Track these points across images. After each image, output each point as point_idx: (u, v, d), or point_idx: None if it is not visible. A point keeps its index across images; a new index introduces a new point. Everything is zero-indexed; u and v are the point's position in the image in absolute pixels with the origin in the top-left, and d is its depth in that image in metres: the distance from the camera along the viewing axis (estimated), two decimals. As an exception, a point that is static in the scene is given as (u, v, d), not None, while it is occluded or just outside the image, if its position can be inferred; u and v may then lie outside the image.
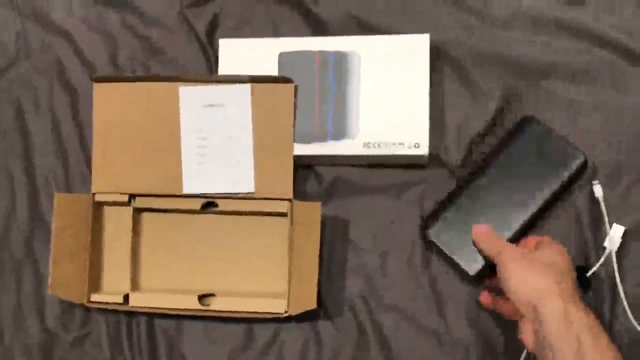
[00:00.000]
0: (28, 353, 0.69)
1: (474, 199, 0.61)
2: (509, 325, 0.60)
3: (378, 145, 0.63)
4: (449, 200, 0.62)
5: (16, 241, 0.71)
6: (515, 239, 0.60)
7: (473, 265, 0.60)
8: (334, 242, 0.66)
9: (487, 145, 0.64)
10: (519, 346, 0.55)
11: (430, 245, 0.63)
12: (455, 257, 0.61)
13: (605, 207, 0.60)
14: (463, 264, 0.60)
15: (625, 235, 0.61)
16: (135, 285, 0.66)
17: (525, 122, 0.62)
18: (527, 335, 0.52)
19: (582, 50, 0.64)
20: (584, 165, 0.61)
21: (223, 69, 0.66)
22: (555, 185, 0.61)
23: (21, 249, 0.71)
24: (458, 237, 0.61)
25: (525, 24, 0.65)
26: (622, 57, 0.63)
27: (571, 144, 0.61)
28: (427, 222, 0.62)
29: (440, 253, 0.62)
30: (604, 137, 0.63)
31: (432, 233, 0.62)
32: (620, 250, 0.61)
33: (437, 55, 0.66)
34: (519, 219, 0.60)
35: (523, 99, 0.65)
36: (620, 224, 0.61)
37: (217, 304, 0.64)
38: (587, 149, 0.62)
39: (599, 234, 0.61)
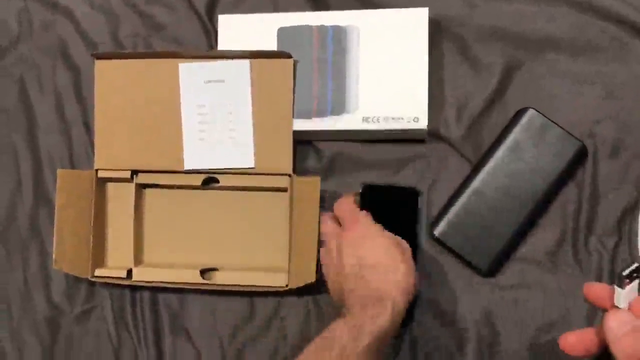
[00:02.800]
0: (35, 327, 0.70)
1: (478, 195, 0.61)
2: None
3: (377, 119, 0.63)
4: (454, 197, 0.62)
5: (22, 218, 0.72)
6: (522, 231, 0.61)
7: (483, 260, 0.61)
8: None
9: (487, 120, 0.64)
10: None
11: (440, 244, 0.63)
12: (465, 255, 0.61)
13: (605, 181, 0.61)
14: (474, 262, 0.61)
15: (624, 211, 0.61)
16: (138, 260, 0.67)
17: (522, 114, 0.62)
18: None
19: (586, 24, 0.64)
20: (583, 154, 0.61)
21: (223, 45, 0.66)
22: (557, 176, 0.61)
23: (27, 226, 0.72)
24: (465, 235, 0.61)
25: (527, -3, 0.65)
26: (626, 30, 0.63)
27: (570, 134, 0.61)
28: (434, 222, 0.63)
29: (451, 251, 0.62)
30: (606, 110, 0.63)
31: (440, 232, 0.62)
32: (620, 226, 0.61)
33: (438, 29, 0.65)
34: (523, 213, 0.61)
35: (525, 73, 0.64)
36: (618, 198, 0.61)
37: (219, 278, 0.65)
38: (589, 122, 0.62)
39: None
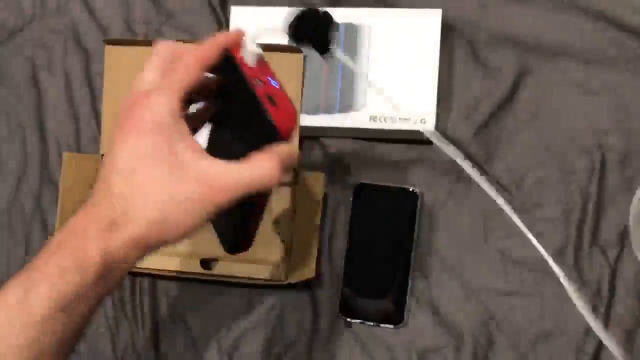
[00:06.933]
0: (34, 308, 0.71)
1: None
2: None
3: (384, 119, 0.63)
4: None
5: (26, 198, 0.73)
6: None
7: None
8: (337, 214, 0.66)
9: (495, 125, 0.64)
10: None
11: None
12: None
13: (611, 192, 0.60)
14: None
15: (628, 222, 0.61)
16: (139, 246, 0.68)
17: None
18: None
19: (598, 33, 0.63)
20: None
21: (234, 37, 0.66)
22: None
23: (31, 207, 0.72)
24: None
25: (542, 3, 0.65)
26: (637, 41, 0.62)
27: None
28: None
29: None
30: (615, 121, 0.62)
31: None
32: (624, 238, 0.61)
33: (450, 31, 0.65)
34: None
35: (535, 80, 0.64)
36: (624, 210, 0.60)
37: (219, 269, 0.65)
38: (597, 132, 0.62)
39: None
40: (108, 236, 0.37)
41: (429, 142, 0.65)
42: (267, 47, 0.63)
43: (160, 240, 0.39)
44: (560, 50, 0.64)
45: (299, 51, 0.63)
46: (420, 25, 0.63)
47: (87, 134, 0.72)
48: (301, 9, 0.49)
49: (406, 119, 0.62)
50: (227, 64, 0.43)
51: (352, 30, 0.64)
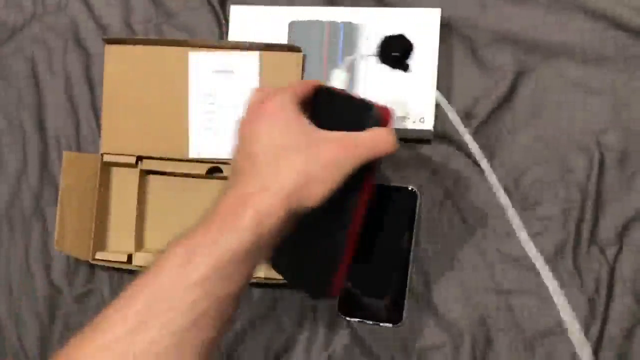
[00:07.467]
0: (34, 305, 0.71)
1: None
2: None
3: (383, 118, 0.63)
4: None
5: (26, 197, 0.73)
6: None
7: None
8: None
9: (494, 123, 0.64)
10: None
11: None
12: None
13: (609, 191, 0.61)
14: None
15: (627, 221, 0.61)
16: (139, 245, 0.68)
17: None
18: None
19: (598, 33, 0.63)
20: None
21: (233, 36, 0.66)
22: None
23: (31, 205, 0.73)
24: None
25: (541, 2, 0.65)
26: (636, 40, 0.62)
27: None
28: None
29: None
30: (613, 120, 0.62)
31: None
32: (622, 237, 0.61)
33: (449, 30, 0.65)
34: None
35: (534, 79, 0.64)
36: (622, 208, 0.61)
37: (218, 268, 0.65)
38: (596, 131, 0.62)
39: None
40: (259, 200, 0.40)
41: (428, 142, 0.65)
42: (267, 46, 0.64)
43: (307, 198, 0.42)
44: (559, 49, 0.64)
45: (299, 50, 0.63)
46: (420, 24, 0.63)
47: (87, 134, 0.72)
48: (387, 34, 0.59)
49: (405, 118, 0.62)
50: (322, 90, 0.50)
51: (352, 29, 0.64)
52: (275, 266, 0.52)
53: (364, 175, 0.44)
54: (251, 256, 0.40)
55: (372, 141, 0.44)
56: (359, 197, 0.46)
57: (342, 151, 0.43)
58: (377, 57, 0.57)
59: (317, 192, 0.42)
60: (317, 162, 0.42)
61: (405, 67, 0.59)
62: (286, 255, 0.48)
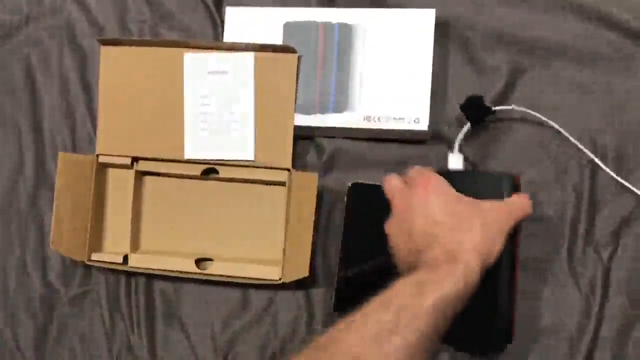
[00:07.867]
0: (30, 306, 0.71)
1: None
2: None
3: (379, 119, 0.63)
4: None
5: (22, 198, 0.73)
6: None
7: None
8: (332, 214, 0.66)
9: (489, 124, 0.64)
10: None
11: None
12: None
13: (604, 191, 0.61)
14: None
15: (622, 222, 0.61)
16: (135, 246, 0.68)
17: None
18: None
19: (593, 33, 0.63)
20: None
21: (228, 37, 0.66)
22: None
23: (27, 206, 0.73)
24: None
25: (535, 4, 0.65)
26: (630, 40, 0.63)
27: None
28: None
29: None
30: (608, 120, 0.62)
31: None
32: (617, 237, 0.61)
33: (444, 31, 0.65)
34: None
35: (529, 79, 0.64)
36: (617, 208, 0.61)
37: (214, 269, 0.65)
38: (591, 131, 0.62)
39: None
40: (465, 257, 0.47)
41: (422, 142, 0.65)
42: (262, 47, 0.64)
43: (490, 256, 0.49)
44: (554, 50, 0.64)
45: (294, 51, 0.63)
46: (414, 25, 0.63)
47: (83, 134, 0.72)
48: (469, 95, 0.62)
49: (400, 119, 0.62)
50: None
51: (347, 30, 0.64)
52: None
53: (516, 233, 0.53)
54: (459, 302, 0.46)
55: (521, 205, 0.52)
56: (516, 251, 0.54)
57: (503, 215, 0.51)
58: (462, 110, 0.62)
59: (496, 250, 0.49)
60: (490, 226, 0.50)
61: (480, 123, 0.63)
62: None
